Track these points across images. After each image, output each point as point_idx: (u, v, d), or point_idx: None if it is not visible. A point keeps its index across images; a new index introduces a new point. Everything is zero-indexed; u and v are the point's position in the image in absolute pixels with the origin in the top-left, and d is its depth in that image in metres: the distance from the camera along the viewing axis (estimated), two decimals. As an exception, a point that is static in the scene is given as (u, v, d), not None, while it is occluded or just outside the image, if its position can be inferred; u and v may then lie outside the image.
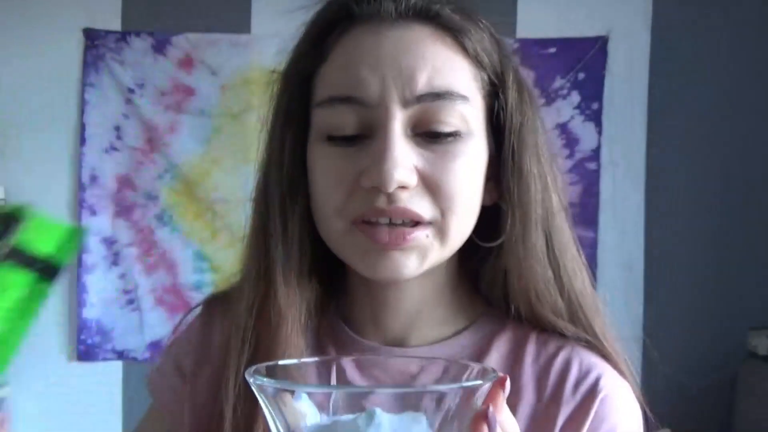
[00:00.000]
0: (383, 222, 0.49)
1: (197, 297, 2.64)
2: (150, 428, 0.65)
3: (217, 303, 0.64)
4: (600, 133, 2.48)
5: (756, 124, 2.49)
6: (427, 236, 0.50)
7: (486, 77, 0.53)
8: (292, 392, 0.34)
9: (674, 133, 2.49)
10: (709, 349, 2.46)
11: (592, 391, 0.54)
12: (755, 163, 2.48)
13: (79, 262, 2.50)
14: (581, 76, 2.48)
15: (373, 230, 0.49)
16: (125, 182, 2.52)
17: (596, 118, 2.48)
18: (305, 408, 0.34)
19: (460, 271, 0.59)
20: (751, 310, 2.46)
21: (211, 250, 2.52)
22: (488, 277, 0.58)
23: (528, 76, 2.65)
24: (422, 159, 0.50)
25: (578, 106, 2.48)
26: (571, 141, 2.49)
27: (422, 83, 0.49)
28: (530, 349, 0.57)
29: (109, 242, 2.53)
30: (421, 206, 0.49)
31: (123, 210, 2.53)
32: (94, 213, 2.52)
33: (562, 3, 2.51)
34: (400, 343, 0.58)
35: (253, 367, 0.36)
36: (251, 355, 0.53)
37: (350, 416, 0.33)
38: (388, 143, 0.48)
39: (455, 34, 0.51)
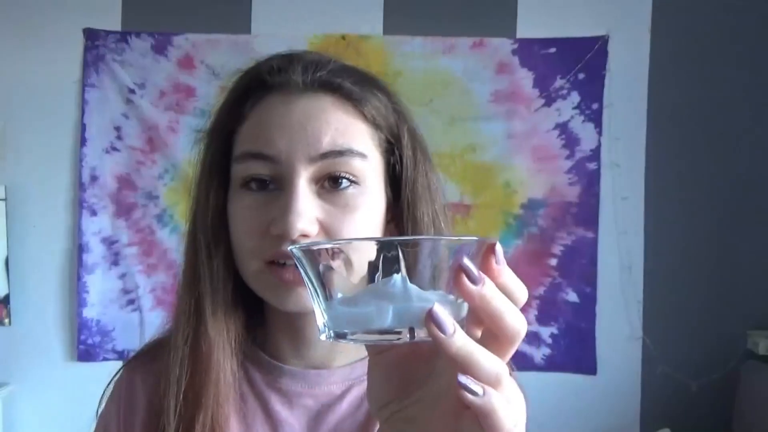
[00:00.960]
0: (290, 264, 0.57)
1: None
2: None
3: (138, 365, 0.70)
4: (600, 133, 2.48)
5: (756, 124, 2.49)
6: None
7: (383, 137, 0.62)
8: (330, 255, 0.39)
9: (674, 133, 2.49)
10: (709, 349, 2.46)
11: None
12: (755, 162, 2.49)
13: (79, 262, 2.51)
14: (581, 76, 2.48)
15: (281, 271, 0.57)
16: (125, 182, 2.53)
17: (596, 118, 2.48)
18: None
19: None
20: (750, 310, 2.46)
21: (211, 250, 2.51)
22: None
23: (528, 76, 2.67)
24: (323, 210, 0.58)
25: (578, 106, 2.48)
26: (571, 141, 2.49)
27: (325, 143, 0.57)
28: None
29: (109, 242, 2.53)
30: None
31: (123, 210, 2.53)
32: (94, 213, 2.52)
33: (562, 3, 2.51)
34: (321, 366, 0.66)
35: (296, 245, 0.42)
36: (187, 383, 0.61)
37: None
38: (293, 197, 0.56)
39: (354, 103, 0.60)
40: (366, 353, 0.62)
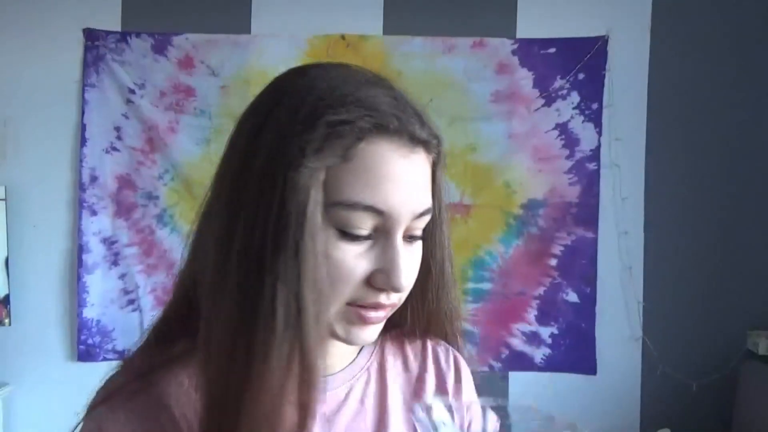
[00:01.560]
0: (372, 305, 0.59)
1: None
2: None
3: (119, 402, 0.65)
4: (600, 133, 2.48)
5: (756, 124, 2.49)
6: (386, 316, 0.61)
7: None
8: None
9: (674, 133, 2.49)
10: (709, 349, 2.46)
11: (456, 358, 0.77)
12: (755, 162, 2.49)
13: (79, 262, 2.51)
14: (581, 76, 2.48)
15: (366, 313, 0.59)
16: (125, 182, 2.53)
17: (596, 118, 2.48)
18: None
19: None
20: (750, 310, 2.46)
21: (211, 250, 2.52)
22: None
23: (528, 76, 2.67)
24: None
25: (578, 106, 2.48)
26: (571, 141, 2.49)
27: (425, 203, 0.59)
28: (408, 348, 0.76)
29: (109, 242, 2.53)
30: (399, 298, 0.61)
31: (123, 210, 2.53)
32: (94, 213, 2.52)
33: (562, 3, 2.51)
34: (324, 374, 0.68)
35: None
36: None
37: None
38: (398, 253, 0.57)
39: (434, 166, 0.62)
40: (347, 360, 0.70)
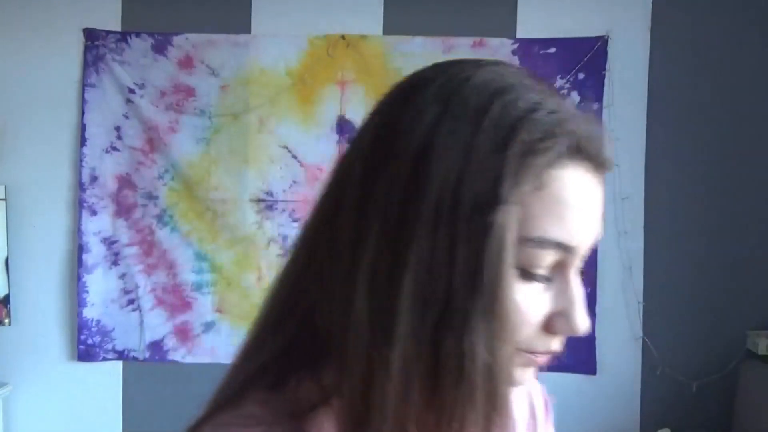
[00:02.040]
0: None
1: (197, 297, 2.64)
2: None
3: None
4: (600, 133, 2.48)
5: (755, 124, 2.49)
6: None
7: None
8: None
9: (674, 133, 2.49)
10: (709, 349, 2.46)
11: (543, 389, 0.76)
12: (754, 162, 2.49)
13: (79, 262, 2.51)
14: (581, 76, 2.48)
15: (536, 358, 0.51)
16: (125, 182, 2.53)
17: (596, 118, 2.48)
18: None
19: None
20: (750, 310, 2.46)
21: (211, 250, 2.52)
22: None
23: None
24: None
25: (578, 106, 2.48)
26: (571, 141, 2.48)
27: (600, 234, 0.50)
28: None
29: (109, 242, 2.53)
30: None
31: (123, 210, 2.53)
32: (94, 213, 2.52)
33: (562, 3, 2.51)
34: None
35: None
36: None
37: None
38: (579, 294, 0.49)
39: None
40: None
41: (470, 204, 0.44)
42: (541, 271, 0.48)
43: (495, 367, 0.46)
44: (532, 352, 0.50)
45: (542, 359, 0.51)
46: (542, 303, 0.49)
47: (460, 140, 0.45)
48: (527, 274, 0.47)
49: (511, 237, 0.45)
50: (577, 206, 0.47)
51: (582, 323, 0.49)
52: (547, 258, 0.47)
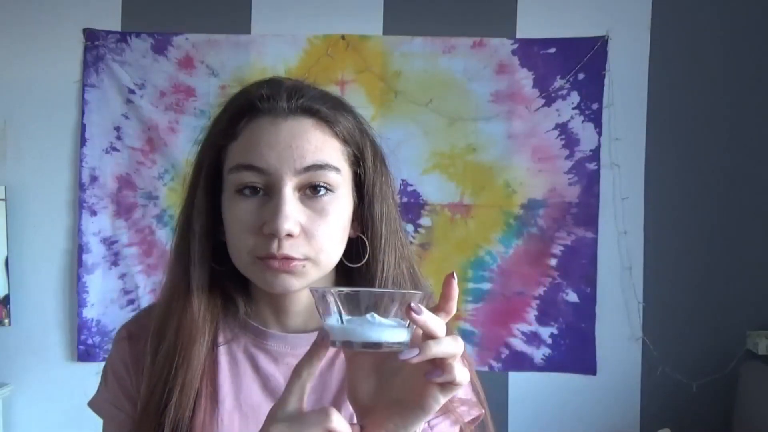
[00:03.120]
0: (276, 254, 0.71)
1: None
2: None
3: (134, 323, 0.84)
4: (600, 133, 2.48)
5: (755, 124, 2.49)
6: (304, 266, 0.71)
7: (351, 151, 0.75)
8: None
9: (674, 133, 2.49)
10: (709, 349, 2.46)
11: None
12: (754, 162, 2.48)
13: (79, 262, 2.51)
14: (581, 76, 2.48)
15: (270, 261, 0.70)
16: (125, 182, 2.53)
17: (596, 118, 2.48)
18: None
19: (337, 278, 0.81)
20: (750, 310, 2.46)
21: (211, 250, 2.52)
22: (357, 279, 0.80)
23: (528, 76, 2.66)
24: (305, 216, 0.71)
25: (578, 106, 2.48)
26: (571, 141, 2.49)
27: (308, 159, 0.70)
28: None
29: (109, 242, 2.53)
30: (299, 251, 0.70)
31: (123, 210, 2.53)
32: (94, 213, 2.52)
33: (562, 3, 2.51)
34: (300, 330, 0.80)
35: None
36: (173, 341, 0.75)
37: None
38: (281, 203, 0.69)
39: (330, 124, 0.73)
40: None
41: (200, 152, 0.77)
42: (249, 191, 0.70)
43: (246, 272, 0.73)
44: (262, 258, 0.70)
45: (275, 264, 0.69)
46: (255, 214, 0.70)
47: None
48: (239, 193, 0.71)
49: (207, 166, 0.75)
50: (263, 142, 0.70)
51: (275, 225, 0.68)
52: (250, 179, 0.70)
